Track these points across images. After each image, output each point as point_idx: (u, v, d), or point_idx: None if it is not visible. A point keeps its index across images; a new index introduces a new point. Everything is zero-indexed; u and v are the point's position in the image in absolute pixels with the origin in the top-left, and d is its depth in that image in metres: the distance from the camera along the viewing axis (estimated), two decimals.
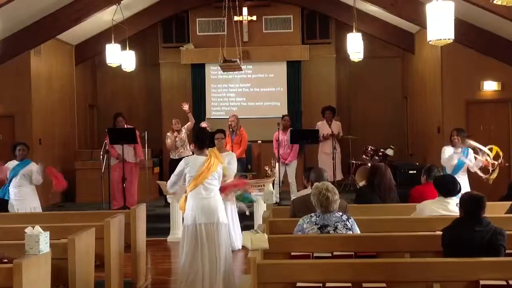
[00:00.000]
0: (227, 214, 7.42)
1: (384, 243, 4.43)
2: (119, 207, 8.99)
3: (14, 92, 10.10)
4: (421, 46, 11.07)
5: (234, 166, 7.49)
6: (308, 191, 5.47)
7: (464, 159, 7.67)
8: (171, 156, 10.24)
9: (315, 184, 4.66)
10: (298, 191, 9.20)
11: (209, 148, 5.66)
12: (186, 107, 10.19)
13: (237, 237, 7.67)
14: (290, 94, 12.38)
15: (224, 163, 5.86)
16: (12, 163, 7.59)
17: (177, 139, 10.09)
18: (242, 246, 7.62)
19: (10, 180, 7.49)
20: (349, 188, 10.91)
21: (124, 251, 5.76)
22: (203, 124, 9.86)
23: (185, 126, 10.20)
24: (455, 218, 4.25)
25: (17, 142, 8.02)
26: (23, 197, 7.46)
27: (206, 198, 5.46)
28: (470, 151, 7.81)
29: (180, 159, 9.15)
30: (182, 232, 5.59)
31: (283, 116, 10.29)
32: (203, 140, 5.66)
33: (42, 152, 10.34)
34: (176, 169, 5.61)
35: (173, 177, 5.63)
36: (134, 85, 13.36)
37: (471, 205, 4.10)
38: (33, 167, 7.57)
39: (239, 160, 9.58)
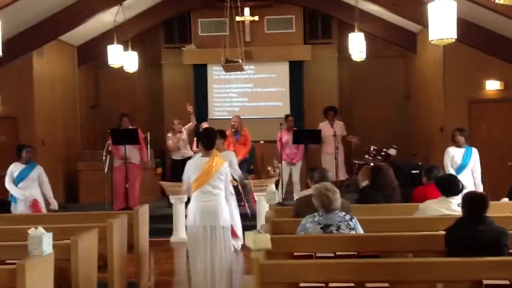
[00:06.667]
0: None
1: (387, 243, 4.43)
2: (122, 208, 9.00)
3: (17, 93, 10.11)
4: (424, 45, 11.05)
5: (236, 167, 7.50)
6: (311, 191, 5.47)
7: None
8: (174, 157, 10.23)
9: (314, 185, 4.66)
10: (301, 191, 9.21)
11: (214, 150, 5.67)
12: (190, 108, 10.20)
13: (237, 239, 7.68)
14: (293, 94, 12.37)
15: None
16: (17, 165, 7.57)
17: (180, 140, 10.10)
18: (241, 247, 7.66)
19: (18, 183, 7.49)
20: (351, 188, 10.90)
21: (127, 252, 5.77)
22: (205, 125, 9.85)
23: (186, 126, 10.21)
24: (458, 218, 4.25)
25: (22, 144, 8.00)
26: (28, 198, 7.48)
27: (207, 201, 5.47)
28: (474, 150, 7.79)
29: (183, 160, 9.24)
30: (187, 234, 5.64)
31: (287, 116, 10.25)
32: (210, 141, 5.65)
33: (45, 153, 10.35)
34: (184, 174, 5.62)
35: (185, 184, 5.64)
36: (136, 85, 13.36)
37: (474, 205, 4.10)
38: (41, 171, 7.61)
39: (244, 160, 9.62)
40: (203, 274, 5.41)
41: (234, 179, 7.26)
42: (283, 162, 9.81)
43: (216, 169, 5.47)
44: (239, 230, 7.60)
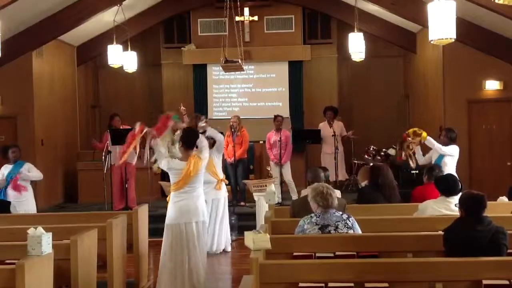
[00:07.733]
0: (217, 216, 7.50)
1: (386, 243, 4.43)
2: (122, 208, 9.00)
3: (16, 93, 10.11)
4: (423, 45, 11.06)
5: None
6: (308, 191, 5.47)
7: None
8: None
9: (311, 187, 4.64)
10: (298, 190, 9.21)
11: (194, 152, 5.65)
12: (183, 110, 10.16)
13: (221, 239, 7.69)
14: (292, 94, 12.35)
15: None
16: (7, 167, 7.60)
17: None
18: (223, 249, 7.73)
19: (8, 184, 7.51)
20: (351, 188, 10.91)
21: (127, 252, 5.77)
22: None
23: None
24: (457, 218, 4.25)
25: (6, 145, 8.03)
26: (21, 199, 7.49)
27: (186, 199, 5.55)
28: (452, 147, 7.66)
29: None
30: (164, 231, 5.62)
31: (276, 116, 10.23)
32: (191, 141, 5.66)
33: (44, 153, 10.36)
34: (169, 161, 5.62)
35: (162, 160, 5.62)
36: (136, 85, 13.36)
37: (472, 205, 4.10)
38: (29, 166, 7.62)
39: (240, 160, 9.61)
40: (185, 271, 5.44)
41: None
42: (272, 162, 9.84)
43: (195, 172, 5.52)
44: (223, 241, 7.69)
